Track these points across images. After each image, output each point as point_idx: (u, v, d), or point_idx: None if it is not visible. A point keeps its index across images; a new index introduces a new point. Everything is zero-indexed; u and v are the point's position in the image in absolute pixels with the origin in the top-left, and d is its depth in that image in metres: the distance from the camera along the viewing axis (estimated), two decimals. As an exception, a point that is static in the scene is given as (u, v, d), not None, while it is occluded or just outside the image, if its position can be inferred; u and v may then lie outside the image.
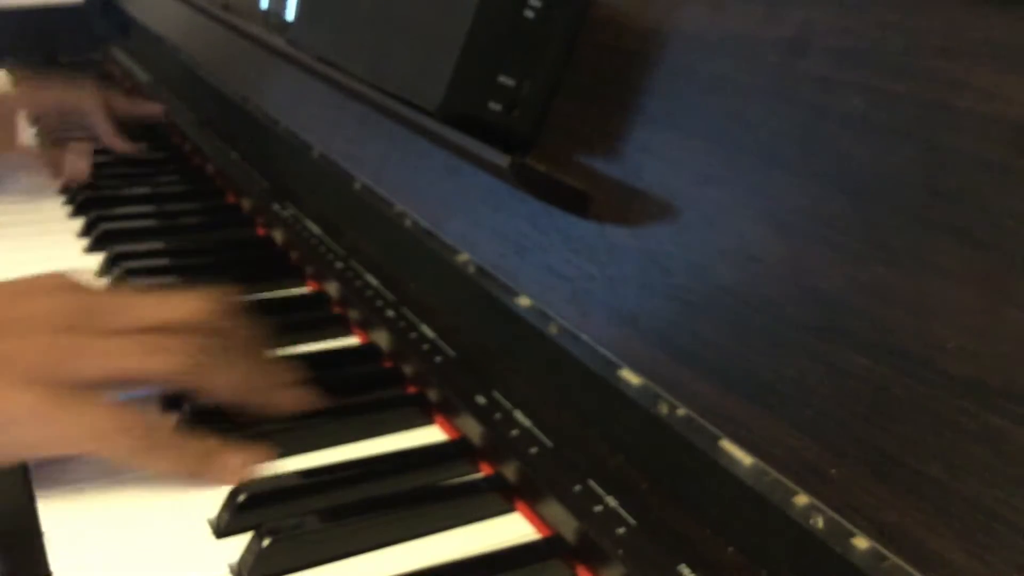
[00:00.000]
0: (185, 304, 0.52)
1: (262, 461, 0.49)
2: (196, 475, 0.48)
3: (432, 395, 0.55)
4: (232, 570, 0.43)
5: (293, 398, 0.54)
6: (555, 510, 0.44)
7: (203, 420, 0.52)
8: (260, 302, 0.70)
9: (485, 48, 0.48)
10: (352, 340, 0.65)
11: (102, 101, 0.99)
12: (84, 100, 0.99)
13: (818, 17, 0.39)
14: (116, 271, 0.71)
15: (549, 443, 0.47)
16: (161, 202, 0.90)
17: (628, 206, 0.46)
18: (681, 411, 0.41)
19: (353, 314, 0.66)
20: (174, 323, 0.51)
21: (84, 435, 0.46)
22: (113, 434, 0.46)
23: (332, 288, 0.69)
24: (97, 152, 1.00)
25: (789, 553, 0.36)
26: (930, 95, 0.34)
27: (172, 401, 0.54)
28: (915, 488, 0.32)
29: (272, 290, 0.72)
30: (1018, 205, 0.31)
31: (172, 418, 0.52)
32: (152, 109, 1.03)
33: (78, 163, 0.98)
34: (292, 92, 0.86)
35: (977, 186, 0.32)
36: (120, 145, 0.96)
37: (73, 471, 0.48)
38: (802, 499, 0.35)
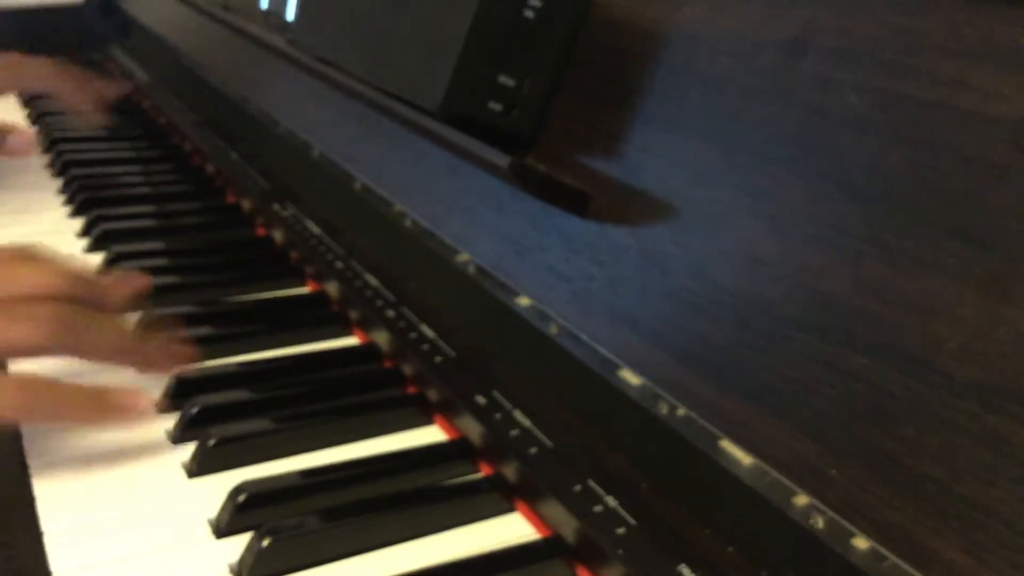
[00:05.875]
0: (43, 274, 0.52)
1: (141, 401, 0.51)
2: (96, 418, 0.50)
3: (432, 395, 0.55)
4: (232, 570, 0.43)
5: (169, 356, 0.55)
6: (555, 510, 0.44)
7: (211, 419, 0.52)
8: (260, 302, 0.70)
9: (485, 48, 0.48)
10: (352, 340, 0.65)
11: (62, 71, 0.97)
12: (45, 71, 0.97)
13: (818, 17, 0.39)
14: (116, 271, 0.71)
15: (549, 443, 0.47)
16: (161, 202, 0.90)
17: (628, 206, 0.46)
18: (681, 411, 0.41)
19: (353, 314, 0.66)
20: (36, 293, 0.51)
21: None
22: (22, 399, 0.48)
23: (332, 288, 0.69)
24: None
25: (789, 553, 0.36)
26: (930, 95, 0.34)
27: (177, 396, 0.55)
28: (915, 488, 0.32)
29: (272, 290, 0.72)
30: (1018, 205, 0.31)
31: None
32: (118, 86, 1.01)
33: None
34: (292, 92, 0.86)
35: (977, 186, 0.32)
36: (90, 113, 0.94)
37: (72, 471, 0.48)
38: (802, 499, 0.35)
